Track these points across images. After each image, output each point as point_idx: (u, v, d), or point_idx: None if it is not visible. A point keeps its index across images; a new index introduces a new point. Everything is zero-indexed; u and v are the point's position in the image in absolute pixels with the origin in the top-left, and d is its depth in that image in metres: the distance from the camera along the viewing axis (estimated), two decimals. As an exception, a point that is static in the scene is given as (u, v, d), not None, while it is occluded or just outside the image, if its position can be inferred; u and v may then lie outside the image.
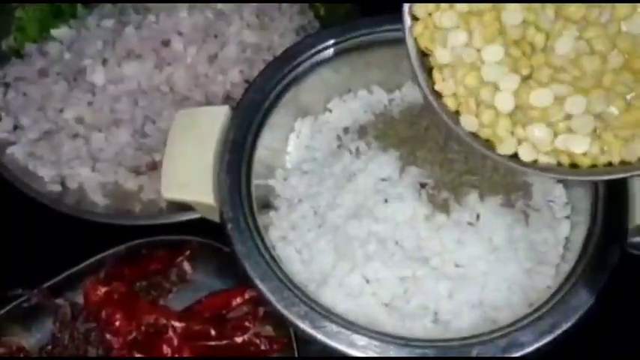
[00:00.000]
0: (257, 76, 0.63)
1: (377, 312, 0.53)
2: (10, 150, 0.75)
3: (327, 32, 0.64)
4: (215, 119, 0.59)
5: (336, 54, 0.64)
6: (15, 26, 0.83)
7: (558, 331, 0.50)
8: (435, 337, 0.52)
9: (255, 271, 0.52)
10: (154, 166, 0.74)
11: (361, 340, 0.49)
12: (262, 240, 0.55)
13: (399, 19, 0.58)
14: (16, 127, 0.77)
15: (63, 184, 0.74)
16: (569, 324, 0.50)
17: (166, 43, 0.76)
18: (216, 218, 0.57)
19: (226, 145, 0.58)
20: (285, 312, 0.50)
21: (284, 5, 0.80)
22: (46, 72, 0.77)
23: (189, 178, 0.58)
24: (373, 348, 0.48)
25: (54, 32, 0.81)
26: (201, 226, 0.67)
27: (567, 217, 0.59)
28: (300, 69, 0.63)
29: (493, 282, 0.54)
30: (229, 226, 0.55)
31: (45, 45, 0.80)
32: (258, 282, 0.52)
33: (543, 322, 0.50)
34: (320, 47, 0.63)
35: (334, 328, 0.49)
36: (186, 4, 0.78)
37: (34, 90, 0.76)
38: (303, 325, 0.50)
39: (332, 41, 0.63)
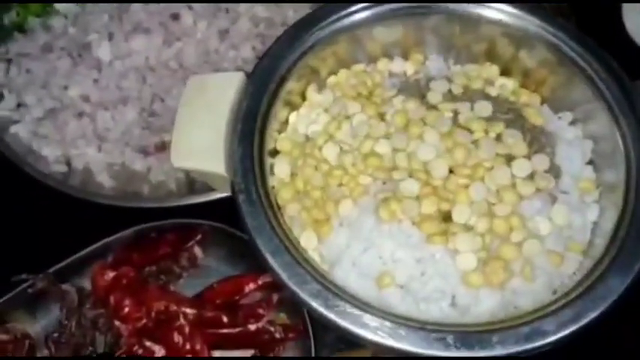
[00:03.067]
0: (273, 43, 0.64)
1: (391, 293, 0.55)
2: (13, 129, 0.78)
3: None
4: (229, 86, 0.60)
5: (357, 22, 0.65)
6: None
7: (584, 321, 0.51)
8: (452, 321, 0.54)
9: (267, 246, 0.54)
10: (163, 147, 0.76)
11: (374, 321, 0.51)
12: (275, 214, 0.56)
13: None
14: (19, 105, 0.80)
15: (68, 164, 0.77)
16: (595, 313, 0.51)
17: (175, 17, 0.78)
18: (227, 191, 0.58)
19: (239, 114, 0.59)
20: (296, 289, 0.52)
21: (299, -23, 0.81)
22: (49, 47, 0.80)
23: (200, 147, 0.59)
24: (387, 330, 0.50)
25: (58, 6, 0.83)
26: (212, 209, 0.69)
27: (596, 202, 0.60)
28: (318, 37, 0.64)
29: (514, 266, 0.55)
30: (240, 197, 0.56)
31: (48, 19, 0.83)
32: (269, 257, 0.53)
33: (568, 310, 0.51)
34: (339, 15, 0.65)
35: (347, 307, 0.51)
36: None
37: (37, 66, 0.79)
38: (315, 304, 0.52)
39: (352, 9, 0.65)
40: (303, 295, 0.51)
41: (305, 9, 0.81)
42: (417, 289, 0.55)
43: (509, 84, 0.66)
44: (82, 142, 0.76)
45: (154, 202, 0.72)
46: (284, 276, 0.52)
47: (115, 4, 0.79)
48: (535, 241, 0.55)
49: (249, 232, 0.54)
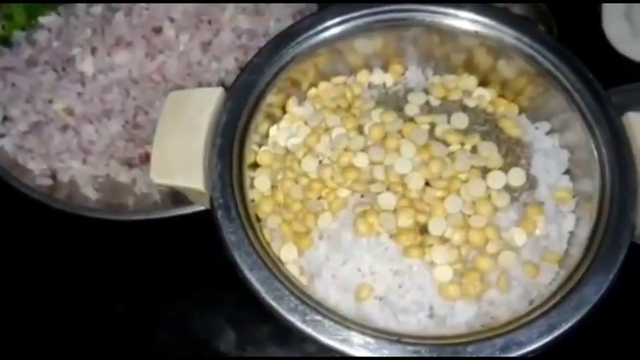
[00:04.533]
0: (253, 57, 0.64)
1: (370, 305, 0.56)
2: (-2, 142, 0.78)
3: (327, 12, 0.66)
4: (208, 101, 0.61)
5: (337, 35, 0.65)
6: (2, 14, 0.86)
7: (559, 331, 0.52)
8: (430, 332, 0.55)
9: (245, 261, 0.54)
10: (147, 159, 0.77)
11: (351, 335, 0.51)
12: (253, 228, 0.57)
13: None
14: (4, 119, 0.80)
15: (54, 177, 0.78)
16: (570, 323, 0.52)
17: (158, 30, 0.79)
18: (207, 205, 0.59)
19: (218, 129, 0.60)
20: (274, 304, 0.53)
21: (280, -12, 0.82)
22: (34, 61, 0.81)
23: (179, 164, 0.59)
24: (364, 344, 0.51)
25: (42, 19, 0.84)
26: (197, 220, 0.70)
27: (572, 211, 0.61)
28: (298, 50, 0.64)
29: (491, 277, 0.56)
30: (219, 213, 0.56)
31: (33, 33, 0.84)
32: (247, 272, 0.54)
33: (543, 320, 0.52)
34: (319, 28, 0.65)
35: (325, 322, 0.52)
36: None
37: (22, 80, 0.80)
38: (293, 319, 0.52)
39: (332, 22, 0.65)
40: (281, 310, 0.52)
41: (288, 19, 0.81)
42: (395, 301, 0.56)
43: (487, 95, 0.67)
44: (67, 155, 0.77)
45: (140, 214, 0.73)
46: (262, 290, 0.53)
47: (97, 18, 0.80)
48: (510, 252, 0.56)
49: (227, 248, 0.55)
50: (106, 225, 0.73)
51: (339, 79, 0.69)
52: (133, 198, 0.76)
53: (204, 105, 0.60)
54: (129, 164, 0.77)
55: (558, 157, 0.63)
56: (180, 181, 0.58)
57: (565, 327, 0.52)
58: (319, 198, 0.61)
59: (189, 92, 0.63)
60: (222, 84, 0.78)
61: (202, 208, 0.68)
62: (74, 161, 0.77)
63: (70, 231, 0.76)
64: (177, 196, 0.74)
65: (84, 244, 0.77)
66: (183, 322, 0.75)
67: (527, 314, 0.53)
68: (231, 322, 0.76)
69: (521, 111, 0.67)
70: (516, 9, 0.87)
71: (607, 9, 0.88)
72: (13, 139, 0.78)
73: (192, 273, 0.76)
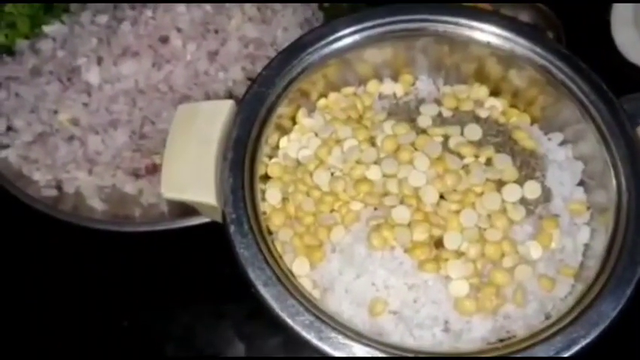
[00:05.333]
0: (263, 69, 0.64)
1: (384, 320, 0.56)
2: (3, 153, 0.78)
3: (336, 23, 0.65)
4: (218, 114, 0.60)
5: (347, 46, 0.65)
6: (5, 22, 0.85)
7: (576, 348, 0.51)
8: (445, 347, 0.54)
9: (259, 277, 0.54)
10: (154, 169, 0.77)
11: (366, 352, 0.51)
12: (266, 243, 0.56)
13: (415, 8, 0.64)
14: (9, 129, 0.80)
15: (59, 188, 0.77)
16: (587, 340, 0.51)
17: (164, 40, 0.78)
18: (218, 219, 0.59)
19: (229, 143, 0.59)
20: (289, 321, 0.52)
21: (287, -4, 0.81)
22: (38, 71, 0.80)
23: (190, 178, 0.59)
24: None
25: (46, 28, 0.83)
26: (204, 232, 0.69)
27: (587, 224, 0.60)
28: (308, 61, 0.64)
29: (507, 291, 0.56)
30: (232, 228, 0.56)
31: (37, 42, 0.83)
32: (261, 288, 0.53)
33: (560, 337, 0.52)
34: (330, 39, 0.64)
35: (340, 338, 0.51)
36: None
37: (26, 90, 0.79)
38: (309, 336, 0.52)
39: (343, 33, 0.65)
40: (296, 327, 0.51)
41: (295, 28, 0.81)
42: (410, 316, 0.55)
43: (499, 105, 0.66)
44: (72, 165, 0.76)
45: (146, 225, 0.72)
46: (276, 307, 0.52)
47: (103, 28, 0.79)
48: (526, 266, 0.56)
49: (241, 263, 0.54)
50: (113, 237, 0.72)
51: (349, 89, 0.69)
52: (140, 209, 0.75)
53: (213, 118, 0.60)
54: (135, 175, 0.77)
55: (572, 169, 0.62)
56: (191, 196, 0.58)
57: (582, 343, 0.51)
58: (332, 211, 0.60)
59: (198, 105, 0.62)
60: (229, 93, 0.77)
61: (209, 219, 0.68)
62: (80, 172, 0.76)
63: (76, 243, 0.76)
64: (184, 208, 0.74)
65: (90, 256, 0.77)
66: (190, 336, 0.75)
67: (544, 330, 0.53)
68: (240, 334, 0.75)
69: (533, 121, 0.66)
70: (524, 16, 0.87)
71: (616, 16, 0.87)
72: (17, 150, 0.78)
73: (198, 285, 0.76)
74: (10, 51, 0.84)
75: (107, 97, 0.77)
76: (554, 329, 0.52)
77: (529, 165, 0.60)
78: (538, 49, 0.63)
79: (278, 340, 0.74)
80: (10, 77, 0.81)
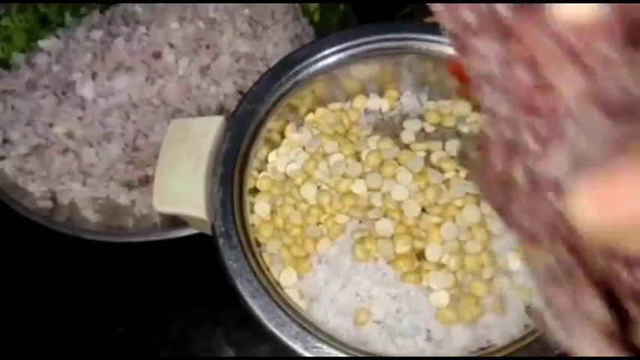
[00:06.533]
0: (253, 85, 0.66)
1: (368, 329, 0.58)
2: (-2, 165, 0.79)
3: (325, 41, 0.67)
4: (209, 130, 0.62)
5: (335, 63, 0.67)
6: (1, 35, 0.87)
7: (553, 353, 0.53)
8: (428, 355, 0.57)
9: (247, 288, 0.56)
10: (147, 181, 0.78)
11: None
12: (254, 255, 0.58)
13: (400, 26, 0.66)
14: (5, 142, 0.81)
15: (54, 199, 0.78)
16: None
17: (157, 55, 0.80)
18: (208, 231, 0.60)
19: (219, 158, 0.61)
20: (276, 331, 0.54)
21: (277, 13, 0.84)
22: (34, 85, 0.82)
23: (182, 191, 0.61)
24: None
25: (41, 43, 0.85)
26: (197, 242, 0.71)
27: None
28: (297, 78, 0.66)
29: (486, 301, 0.58)
30: (221, 241, 0.58)
31: (33, 56, 0.85)
32: (249, 300, 0.55)
33: (540, 345, 0.53)
34: (318, 56, 0.67)
35: (325, 348, 0.53)
36: (178, 11, 0.81)
37: (22, 104, 0.81)
38: (295, 346, 0.54)
39: (330, 50, 0.67)
40: (283, 338, 0.54)
41: (285, 43, 0.83)
42: (393, 325, 0.57)
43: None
44: (67, 177, 0.78)
45: (139, 236, 0.74)
46: (264, 318, 0.54)
47: (97, 44, 0.81)
48: (505, 278, 0.58)
49: (229, 275, 0.56)
50: (106, 247, 0.74)
51: (336, 105, 0.71)
52: (133, 220, 0.77)
53: (205, 134, 0.62)
54: (129, 186, 0.78)
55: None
56: (182, 209, 0.60)
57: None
58: (318, 223, 0.62)
59: (190, 121, 0.65)
60: (221, 107, 0.79)
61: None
62: (74, 183, 0.78)
63: (70, 253, 0.77)
64: (175, 219, 0.76)
65: (85, 266, 0.78)
66: (184, 343, 0.76)
67: (523, 338, 0.55)
68: (231, 342, 0.77)
69: (514, 135, 0.68)
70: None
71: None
72: (13, 162, 0.79)
73: (191, 293, 0.78)
74: (6, 64, 0.86)
75: (101, 110, 0.79)
76: (532, 337, 0.54)
77: (508, 179, 0.63)
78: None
79: (269, 347, 0.76)
80: (7, 90, 0.82)
